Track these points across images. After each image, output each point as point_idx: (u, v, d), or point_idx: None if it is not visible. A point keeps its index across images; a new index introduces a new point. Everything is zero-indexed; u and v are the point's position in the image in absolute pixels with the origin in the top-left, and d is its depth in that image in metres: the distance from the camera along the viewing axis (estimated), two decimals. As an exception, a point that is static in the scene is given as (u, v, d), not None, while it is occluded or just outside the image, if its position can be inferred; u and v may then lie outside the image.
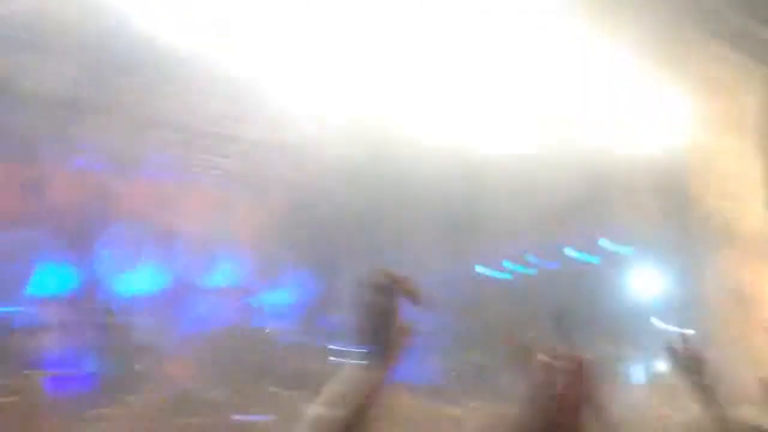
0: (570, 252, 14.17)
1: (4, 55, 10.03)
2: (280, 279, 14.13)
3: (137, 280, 12.65)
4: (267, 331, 13.02)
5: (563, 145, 12.02)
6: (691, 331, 9.51)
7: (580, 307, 11.86)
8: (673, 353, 3.40)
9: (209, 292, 13.47)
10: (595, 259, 14.27)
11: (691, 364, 3.26)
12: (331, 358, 12.75)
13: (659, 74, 12.71)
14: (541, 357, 3.05)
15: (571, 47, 11.69)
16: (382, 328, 1.95)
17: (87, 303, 11.92)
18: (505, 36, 11.23)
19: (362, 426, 1.97)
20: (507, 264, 14.81)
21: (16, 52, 10.06)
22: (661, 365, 11.44)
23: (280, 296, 13.96)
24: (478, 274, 14.63)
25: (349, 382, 2.12)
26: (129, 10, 9.50)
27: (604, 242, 14.21)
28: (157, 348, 11.39)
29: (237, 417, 8.21)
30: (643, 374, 13.50)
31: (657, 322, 13.17)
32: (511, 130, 12.18)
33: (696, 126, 13.08)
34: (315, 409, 1.91)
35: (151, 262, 12.80)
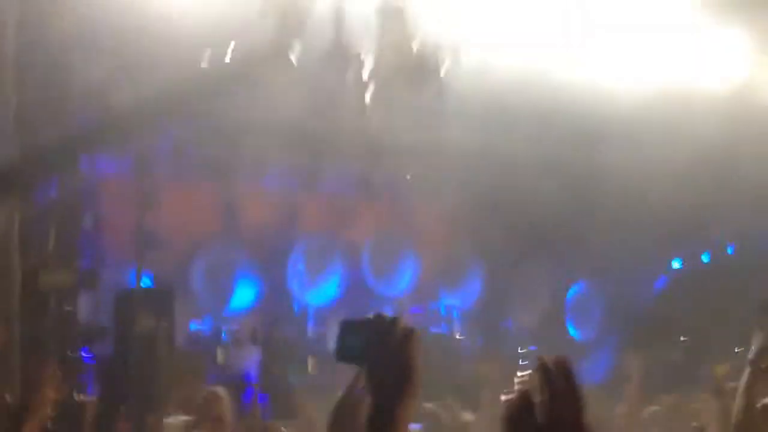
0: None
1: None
2: (460, 285, 14.21)
3: (326, 291, 13.18)
4: (457, 337, 13.10)
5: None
6: None
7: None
8: None
9: (392, 300, 13.77)
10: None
11: None
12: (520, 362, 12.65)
13: None
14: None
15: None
16: None
17: (279, 316, 12.54)
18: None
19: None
20: (705, 256, 13.95)
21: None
22: None
23: (464, 301, 14.03)
24: (673, 268, 13.96)
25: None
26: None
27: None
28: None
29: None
30: None
31: None
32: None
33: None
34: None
35: (337, 273, 13.30)
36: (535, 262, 14.10)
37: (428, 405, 7.34)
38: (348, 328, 1.79)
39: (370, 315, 1.78)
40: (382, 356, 1.74)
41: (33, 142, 8.99)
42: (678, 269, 13.86)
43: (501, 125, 12.40)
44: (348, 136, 12.04)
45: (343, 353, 1.78)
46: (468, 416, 8.65)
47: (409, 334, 1.78)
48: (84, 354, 9.61)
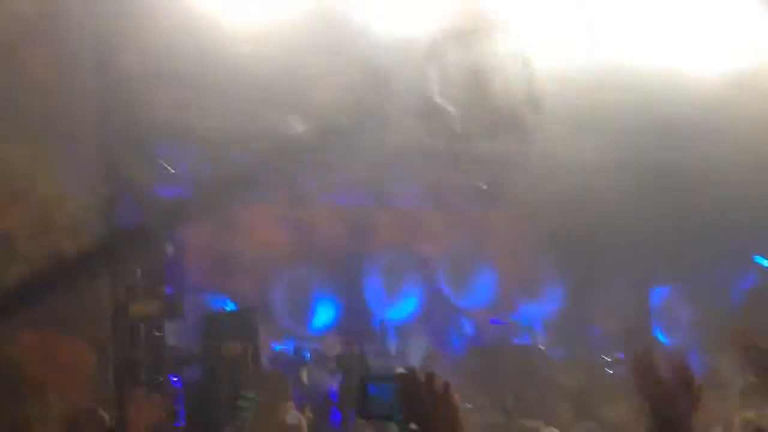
0: None
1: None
2: (540, 294, 14.02)
3: (402, 306, 13.17)
4: (540, 347, 12.91)
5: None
6: None
7: None
8: None
9: (472, 312, 13.67)
10: None
11: None
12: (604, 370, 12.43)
13: None
14: None
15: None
16: None
17: (359, 334, 12.56)
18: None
19: None
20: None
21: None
22: None
23: (541, 311, 13.84)
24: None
25: None
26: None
27: None
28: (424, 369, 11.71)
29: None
30: None
31: None
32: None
33: None
34: None
35: (413, 287, 13.27)
36: (618, 267, 13.82)
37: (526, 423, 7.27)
38: (372, 383, 1.73)
39: (396, 371, 1.73)
40: (423, 413, 1.68)
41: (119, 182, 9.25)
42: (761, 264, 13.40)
43: (578, 127, 12.21)
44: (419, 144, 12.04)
45: (371, 410, 1.71)
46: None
47: (446, 387, 1.73)
48: (173, 379, 9.82)
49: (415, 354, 12.20)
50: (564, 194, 13.53)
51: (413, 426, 1.68)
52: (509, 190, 13.43)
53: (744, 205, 11.68)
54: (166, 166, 11.01)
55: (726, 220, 12.00)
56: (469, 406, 11.04)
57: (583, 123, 11.63)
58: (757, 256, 13.35)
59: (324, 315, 12.65)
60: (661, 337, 13.83)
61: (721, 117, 10.89)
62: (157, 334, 9.61)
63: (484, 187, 13.33)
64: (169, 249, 10.89)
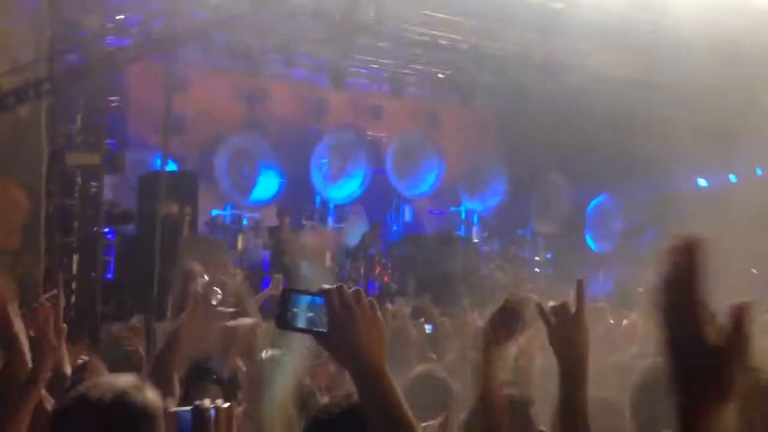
0: None
1: None
2: (483, 188, 14.24)
3: (345, 185, 13.25)
4: (475, 241, 13.17)
5: None
6: None
7: None
8: None
9: (414, 200, 13.84)
10: None
11: None
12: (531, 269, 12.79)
13: None
14: None
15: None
16: None
17: (296, 208, 12.67)
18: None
19: None
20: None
21: None
22: None
23: (482, 205, 14.08)
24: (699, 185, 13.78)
25: None
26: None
27: None
28: (364, 253, 11.93)
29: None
30: None
31: None
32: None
33: None
34: None
35: (359, 169, 13.34)
36: (558, 173, 14.06)
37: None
38: (295, 295, 1.73)
39: (323, 287, 1.73)
40: (349, 328, 1.65)
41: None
42: (703, 187, 13.70)
43: (541, 28, 12.13)
44: (379, 30, 11.86)
45: (291, 322, 1.72)
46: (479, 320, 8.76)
47: (372, 305, 1.70)
48: (107, 232, 9.86)
49: (352, 234, 12.36)
50: (518, 93, 13.60)
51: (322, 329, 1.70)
52: (465, 82, 13.42)
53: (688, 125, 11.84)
54: (118, 16, 10.73)
55: (672, 135, 12.17)
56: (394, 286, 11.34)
57: (547, 25, 11.57)
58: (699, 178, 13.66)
59: (266, 186, 12.66)
60: (591, 244, 14.23)
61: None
62: (93, 186, 9.58)
63: (441, 75, 13.21)
64: (114, 101, 10.74)
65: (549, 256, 13.29)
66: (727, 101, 11.35)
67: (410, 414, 1.70)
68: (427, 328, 7.12)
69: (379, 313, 1.73)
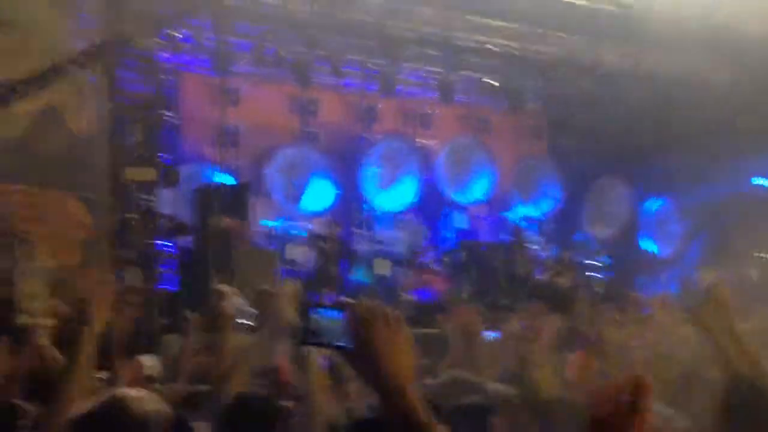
0: None
1: None
2: (537, 193, 14.08)
3: (397, 195, 13.23)
4: (526, 245, 13.06)
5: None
6: None
7: None
8: None
9: (467, 207, 13.76)
10: None
11: None
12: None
13: None
14: None
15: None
16: None
17: (350, 217, 12.72)
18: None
19: None
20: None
21: None
22: None
23: (537, 210, 13.94)
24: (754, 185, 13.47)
25: None
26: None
27: None
28: (413, 260, 11.91)
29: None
30: None
31: None
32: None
33: None
34: None
35: (410, 177, 13.30)
36: (613, 177, 13.87)
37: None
38: (317, 310, 1.67)
39: (344, 300, 1.68)
40: (372, 343, 1.58)
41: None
42: (761, 186, 13.37)
43: (589, 34, 12.03)
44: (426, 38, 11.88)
45: (312, 337, 1.67)
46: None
47: (397, 318, 1.63)
48: (165, 245, 10.04)
49: (405, 243, 12.36)
50: (569, 98, 13.48)
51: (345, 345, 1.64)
52: (515, 88, 13.33)
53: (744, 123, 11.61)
54: (170, 32, 10.93)
55: (726, 138, 11.95)
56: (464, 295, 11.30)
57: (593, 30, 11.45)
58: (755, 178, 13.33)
59: (319, 197, 12.72)
60: (648, 247, 13.98)
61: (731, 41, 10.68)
62: (151, 200, 9.77)
63: (495, 84, 13.16)
64: (170, 117, 10.94)
65: (606, 260, 13.10)
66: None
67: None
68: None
69: (404, 327, 1.66)
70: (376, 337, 1.63)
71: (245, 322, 4.50)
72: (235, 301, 4.02)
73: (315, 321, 1.69)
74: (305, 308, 1.70)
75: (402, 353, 1.64)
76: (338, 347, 1.68)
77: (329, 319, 1.69)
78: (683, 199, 13.44)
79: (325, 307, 1.71)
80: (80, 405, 2.37)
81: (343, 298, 1.79)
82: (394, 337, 1.64)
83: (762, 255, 11.83)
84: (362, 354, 1.63)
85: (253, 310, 4.42)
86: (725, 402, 2.57)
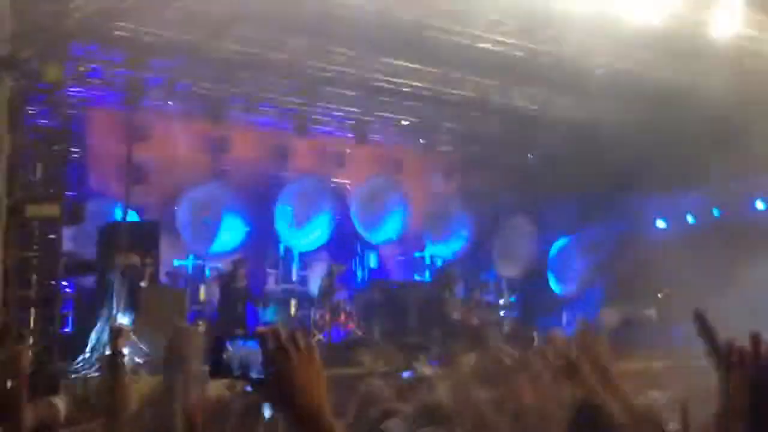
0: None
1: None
2: (449, 233, 14.26)
3: (310, 234, 13.16)
4: (437, 285, 13.16)
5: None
6: None
7: None
8: None
9: (380, 246, 13.81)
10: None
11: None
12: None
13: None
14: None
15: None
16: None
17: (264, 257, 12.57)
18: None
19: None
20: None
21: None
22: None
23: (448, 250, 14.10)
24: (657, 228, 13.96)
25: None
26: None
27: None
28: (328, 300, 11.83)
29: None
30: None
31: None
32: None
33: None
34: None
35: (324, 216, 13.27)
36: (521, 217, 14.18)
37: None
38: (229, 341, 1.66)
39: (258, 329, 1.68)
40: (285, 372, 1.59)
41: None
42: (663, 229, 13.89)
43: (500, 78, 12.34)
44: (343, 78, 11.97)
45: (224, 369, 1.65)
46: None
47: (310, 346, 1.65)
48: (65, 285, 9.68)
49: (316, 282, 12.27)
50: (480, 139, 13.77)
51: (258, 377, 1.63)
52: (428, 128, 13.54)
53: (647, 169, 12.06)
54: (80, 66, 10.68)
55: (629, 180, 12.38)
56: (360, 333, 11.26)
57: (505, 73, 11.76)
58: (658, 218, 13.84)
59: (230, 236, 12.52)
60: (554, 285, 14.30)
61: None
62: (52, 238, 9.42)
63: (404, 122, 13.32)
64: (75, 151, 10.64)
65: (513, 299, 13.35)
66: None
67: None
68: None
69: (317, 355, 1.67)
70: (290, 363, 1.63)
71: (139, 360, 4.39)
72: (131, 339, 3.93)
73: (228, 353, 1.68)
74: (219, 340, 1.69)
75: (315, 380, 1.65)
76: (250, 378, 1.67)
77: (243, 351, 1.68)
78: (587, 238, 13.83)
79: (238, 338, 1.70)
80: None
81: (259, 328, 1.77)
82: (308, 364, 1.65)
83: (663, 294, 12.26)
84: (277, 381, 1.63)
85: (146, 350, 4.31)
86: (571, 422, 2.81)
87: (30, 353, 8.61)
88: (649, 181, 12.06)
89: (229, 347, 1.67)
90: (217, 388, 4.25)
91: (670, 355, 8.96)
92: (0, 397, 2.67)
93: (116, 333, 4.13)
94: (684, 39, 10.60)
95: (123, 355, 3.49)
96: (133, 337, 4.45)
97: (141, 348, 4.55)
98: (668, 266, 11.29)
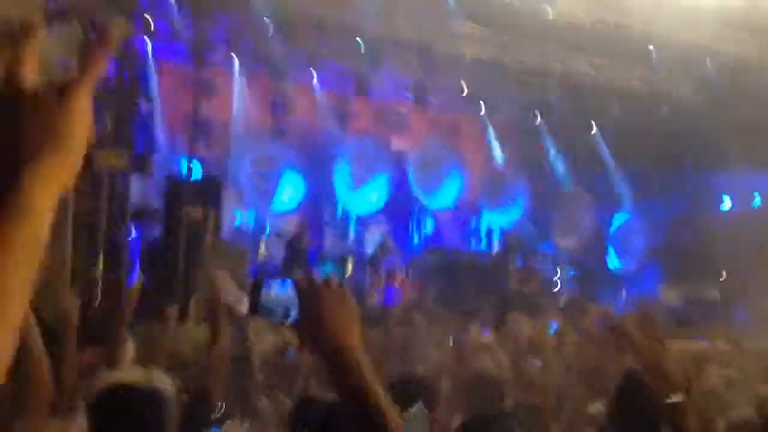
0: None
1: None
2: (506, 201, 14.16)
3: (368, 196, 13.19)
4: (493, 253, 13.17)
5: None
6: None
7: None
8: None
9: (436, 212, 13.80)
10: None
11: None
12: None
13: None
14: None
15: None
16: None
17: (321, 217, 12.65)
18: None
19: None
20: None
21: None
22: None
23: (506, 218, 14.02)
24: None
25: None
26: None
27: None
28: (381, 262, 11.89)
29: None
30: None
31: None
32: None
33: None
34: None
35: (382, 179, 13.28)
36: (580, 189, 14.02)
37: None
38: (268, 283, 1.73)
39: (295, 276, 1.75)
40: (318, 312, 1.66)
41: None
42: (728, 210, 13.61)
43: (562, 44, 12.17)
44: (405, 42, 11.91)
45: (262, 307, 1.73)
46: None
47: (341, 288, 1.72)
48: (133, 234, 9.87)
49: (373, 244, 12.33)
50: (541, 108, 13.63)
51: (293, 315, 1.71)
52: (488, 96, 13.43)
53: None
54: (148, 18, 10.77)
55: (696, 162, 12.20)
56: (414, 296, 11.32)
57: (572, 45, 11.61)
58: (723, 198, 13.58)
59: (290, 193, 12.62)
60: (613, 260, 14.16)
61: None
62: (120, 187, 9.60)
63: (465, 89, 13.21)
64: (144, 104, 10.77)
65: (571, 272, 13.25)
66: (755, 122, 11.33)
67: (385, 399, 1.67)
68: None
69: (349, 294, 1.74)
70: (321, 305, 1.69)
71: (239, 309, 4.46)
72: (229, 287, 3.97)
73: (266, 295, 1.77)
74: (257, 284, 1.78)
75: (347, 319, 1.70)
76: (286, 316, 1.77)
77: (279, 294, 1.78)
78: (649, 214, 13.66)
79: (277, 281, 1.78)
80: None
81: (293, 277, 1.89)
82: (339, 305, 1.71)
83: (726, 275, 12.08)
84: (309, 320, 1.70)
85: (244, 296, 4.38)
86: (617, 391, 3.07)
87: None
88: (716, 159, 11.86)
89: (268, 289, 1.76)
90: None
91: (729, 336, 8.84)
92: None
93: (214, 281, 4.16)
94: (753, 15, 10.38)
95: (223, 303, 3.51)
96: (231, 284, 4.54)
97: (239, 296, 4.64)
98: (732, 247, 11.14)
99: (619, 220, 14.22)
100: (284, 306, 1.63)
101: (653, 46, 11.75)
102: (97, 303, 8.80)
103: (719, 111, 11.69)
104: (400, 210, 13.35)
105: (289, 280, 1.50)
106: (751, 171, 12.28)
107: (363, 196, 13.12)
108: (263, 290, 1.81)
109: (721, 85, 11.70)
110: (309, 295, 1.70)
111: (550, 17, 11.70)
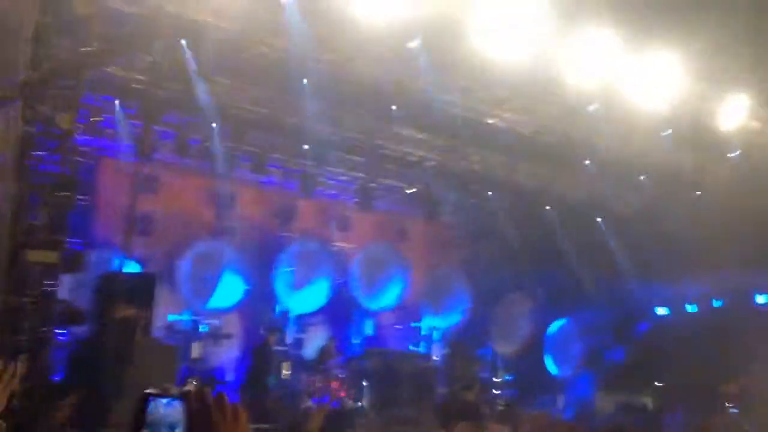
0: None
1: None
2: (444, 307, 14.16)
3: (309, 296, 13.08)
4: (434, 358, 13.05)
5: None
6: None
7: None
8: None
9: (377, 313, 13.71)
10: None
11: None
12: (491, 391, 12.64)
13: None
14: None
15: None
16: None
17: (260, 316, 12.47)
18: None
19: None
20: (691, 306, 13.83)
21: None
22: None
23: (445, 321, 13.98)
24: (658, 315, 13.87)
25: None
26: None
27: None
28: (321, 367, 11.70)
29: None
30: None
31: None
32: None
33: None
34: None
35: (324, 280, 13.21)
36: (519, 294, 14.09)
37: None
38: (153, 399, 1.63)
39: (183, 389, 1.64)
40: None
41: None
42: (663, 316, 13.78)
43: (505, 153, 12.44)
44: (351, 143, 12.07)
45: (147, 427, 1.62)
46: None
47: (235, 410, 1.60)
48: (59, 334, 9.59)
49: (312, 346, 12.16)
50: (486, 212, 13.79)
51: None
52: (434, 198, 13.58)
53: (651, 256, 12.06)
54: (92, 115, 10.79)
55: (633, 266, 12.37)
56: (359, 404, 11.10)
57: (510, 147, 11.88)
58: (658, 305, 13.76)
59: (229, 293, 12.45)
60: (550, 366, 14.12)
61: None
62: (50, 285, 9.36)
63: (409, 191, 13.37)
64: (81, 200, 10.65)
65: (508, 377, 13.18)
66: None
67: None
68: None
69: (243, 418, 1.61)
70: (214, 426, 1.58)
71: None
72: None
73: (152, 411, 1.64)
74: (143, 397, 1.65)
75: None
76: None
77: (167, 410, 1.64)
78: (585, 320, 13.73)
79: (161, 395, 1.66)
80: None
81: (183, 388, 1.71)
82: (232, 426, 1.59)
83: (660, 384, 12.11)
84: None
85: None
86: None
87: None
88: (651, 268, 12.06)
89: (154, 406, 1.64)
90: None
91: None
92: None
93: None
94: (690, 128, 10.73)
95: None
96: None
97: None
98: (666, 354, 11.20)
99: (556, 325, 14.26)
100: (169, 424, 1.49)
101: (591, 157, 12.07)
102: (15, 404, 8.46)
103: (653, 223, 11.95)
104: (341, 311, 13.25)
105: (179, 400, 1.39)
106: (685, 280, 12.52)
107: (304, 297, 13.01)
108: (148, 407, 1.67)
109: (655, 198, 12.00)
110: (200, 417, 1.58)
111: (495, 124, 11.98)
